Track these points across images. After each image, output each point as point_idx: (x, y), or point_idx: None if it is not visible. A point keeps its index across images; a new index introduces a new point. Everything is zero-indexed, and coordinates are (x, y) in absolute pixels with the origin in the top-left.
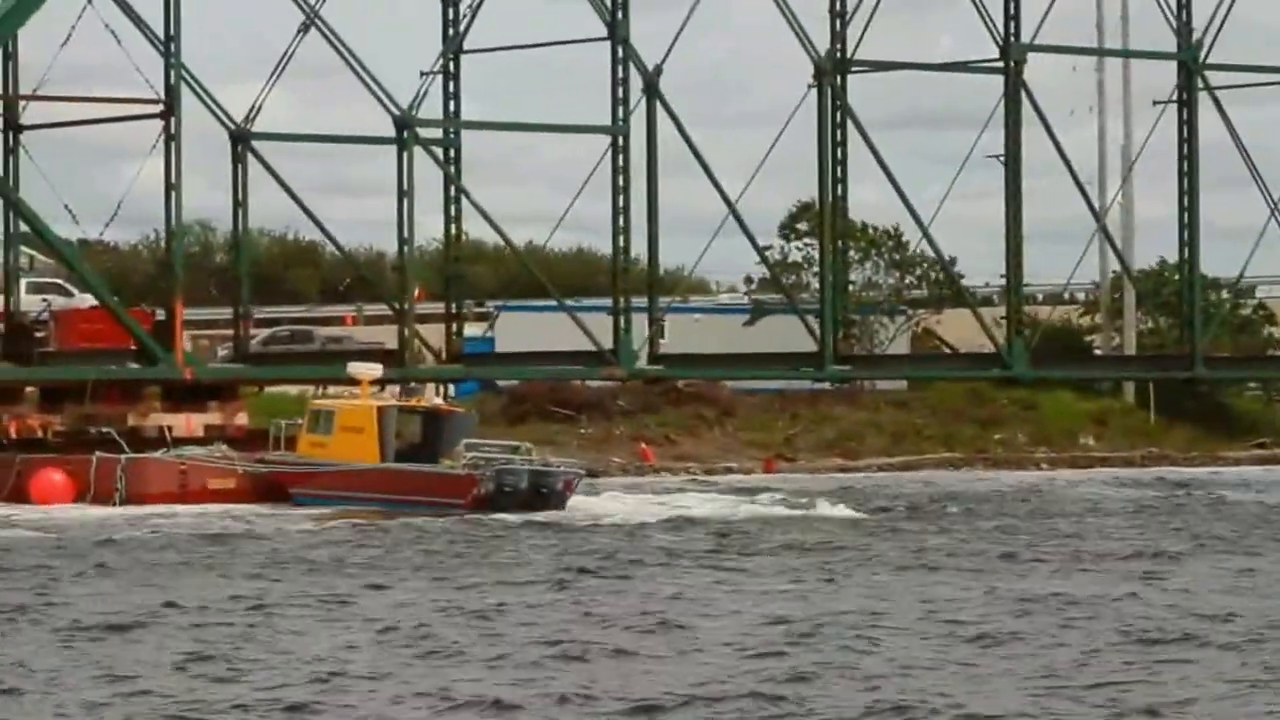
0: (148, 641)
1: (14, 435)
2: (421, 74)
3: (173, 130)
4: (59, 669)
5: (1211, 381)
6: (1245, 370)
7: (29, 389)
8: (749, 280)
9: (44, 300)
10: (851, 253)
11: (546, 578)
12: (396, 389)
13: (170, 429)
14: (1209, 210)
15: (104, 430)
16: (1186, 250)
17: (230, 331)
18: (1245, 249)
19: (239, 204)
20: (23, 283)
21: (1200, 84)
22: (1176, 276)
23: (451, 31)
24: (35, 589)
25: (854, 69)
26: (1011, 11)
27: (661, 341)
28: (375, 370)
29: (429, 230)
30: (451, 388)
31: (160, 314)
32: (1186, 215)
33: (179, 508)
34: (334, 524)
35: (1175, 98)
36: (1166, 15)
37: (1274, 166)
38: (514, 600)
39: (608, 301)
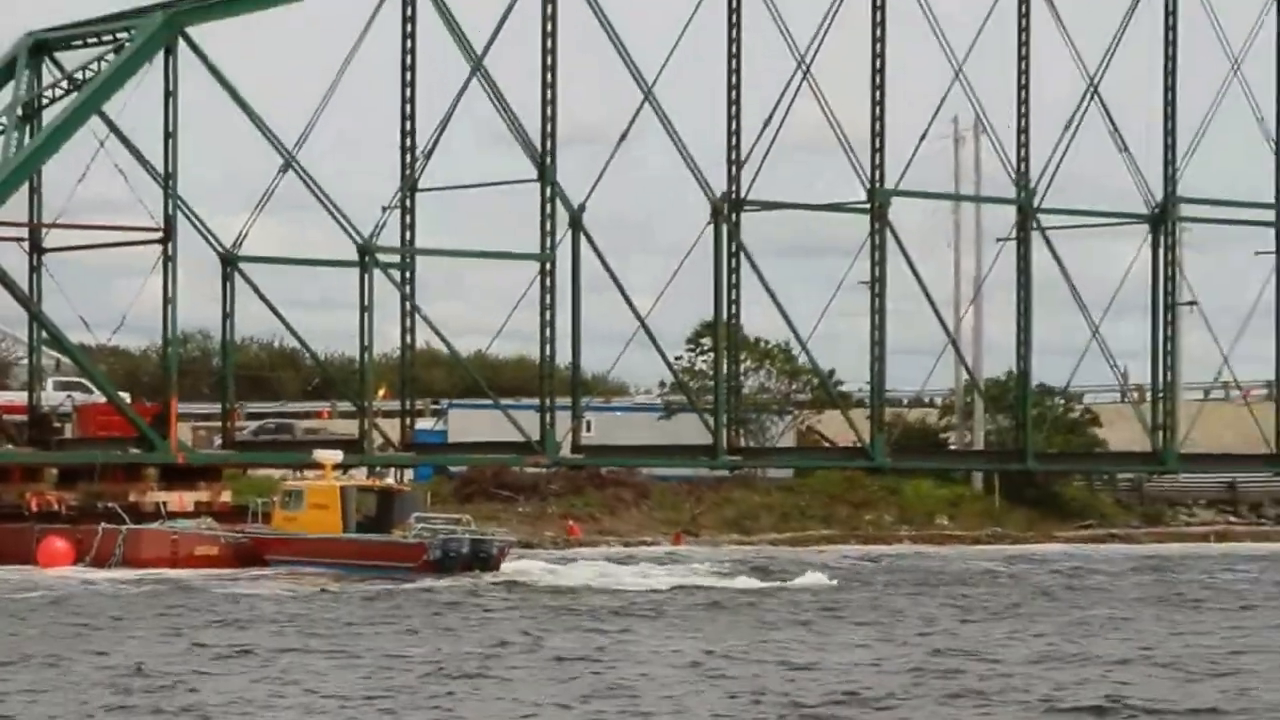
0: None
1: (34, 508)
2: (382, 208)
3: (170, 253)
4: None
5: (1042, 472)
6: (1069, 464)
7: (48, 469)
8: (662, 384)
9: (68, 396)
10: (746, 362)
11: None
12: (363, 471)
13: (165, 504)
14: (1044, 329)
15: (109, 505)
16: (1022, 363)
17: (221, 423)
18: (1073, 362)
19: (227, 316)
20: (49, 381)
21: (1034, 224)
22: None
23: (407, 172)
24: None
25: (746, 208)
26: (877, 162)
27: (586, 434)
28: (336, 456)
29: (391, 339)
30: (410, 472)
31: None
32: (1022, 334)
33: (169, 571)
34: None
35: (1014, 235)
36: (1007, 167)
37: (1096, 292)
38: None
39: (537, 401)
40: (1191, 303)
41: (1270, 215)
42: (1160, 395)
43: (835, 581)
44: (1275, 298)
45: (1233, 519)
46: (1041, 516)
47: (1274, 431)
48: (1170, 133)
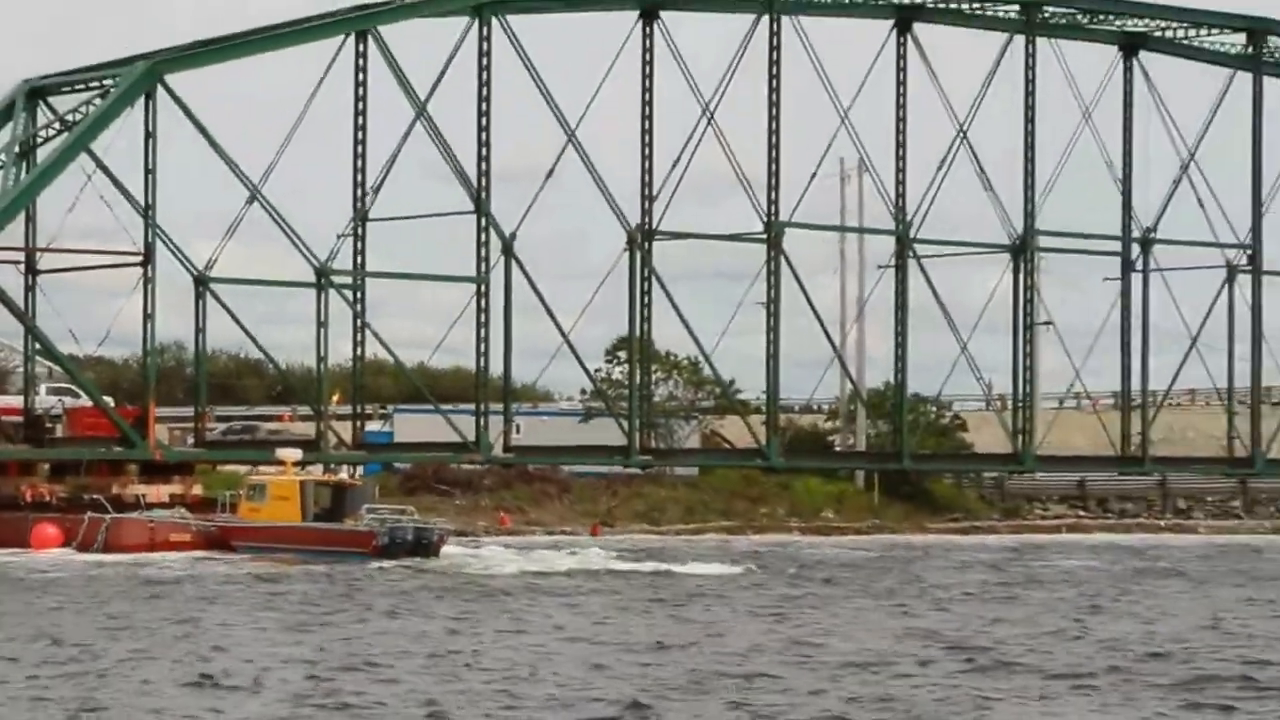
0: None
1: (29, 499)
2: (336, 236)
3: (149, 275)
4: None
5: (915, 471)
6: (940, 464)
7: (41, 464)
8: (583, 391)
9: (59, 400)
10: (657, 373)
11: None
12: (320, 467)
13: (144, 496)
14: (918, 345)
15: (94, 496)
16: (899, 375)
17: (193, 424)
18: (944, 374)
19: (199, 330)
20: (43, 387)
21: (910, 253)
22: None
23: (359, 205)
24: None
25: (657, 237)
26: (773, 197)
27: (515, 436)
28: (296, 454)
29: (344, 351)
30: (360, 468)
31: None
32: (899, 349)
33: (143, 555)
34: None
35: (893, 263)
36: (886, 203)
37: (964, 313)
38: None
39: (473, 406)
40: (1047, 323)
41: (1116, 246)
42: (1020, 404)
43: (741, 569)
44: (1120, 319)
45: (1082, 513)
46: (915, 510)
47: (1119, 436)
48: (1029, 173)
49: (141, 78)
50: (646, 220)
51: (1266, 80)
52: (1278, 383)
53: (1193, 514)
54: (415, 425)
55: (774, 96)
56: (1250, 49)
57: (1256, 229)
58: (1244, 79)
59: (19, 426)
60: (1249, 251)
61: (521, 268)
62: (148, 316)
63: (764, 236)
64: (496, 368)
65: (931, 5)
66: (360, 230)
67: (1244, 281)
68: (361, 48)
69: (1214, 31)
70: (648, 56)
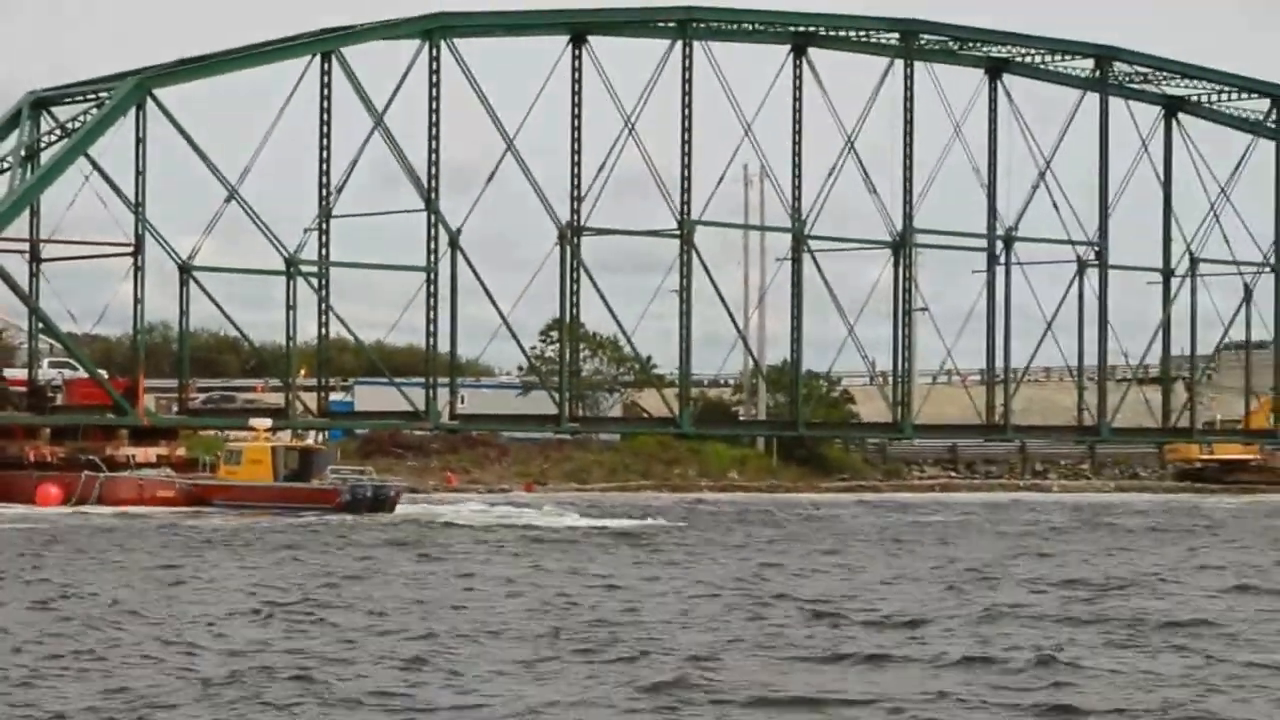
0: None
1: (32, 459)
2: (304, 230)
3: (139, 263)
4: None
5: (809, 437)
6: (830, 431)
7: (43, 430)
8: (520, 367)
9: (59, 373)
10: (584, 351)
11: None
12: (289, 433)
13: (134, 457)
14: (812, 328)
15: (90, 457)
16: (795, 353)
17: (177, 394)
18: (834, 353)
19: (183, 312)
20: (44, 361)
21: (805, 248)
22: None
23: (324, 203)
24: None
25: (585, 233)
26: (686, 199)
27: (460, 406)
28: (267, 422)
29: (310, 331)
30: (325, 434)
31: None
32: (795, 331)
33: (134, 508)
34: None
35: (790, 256)
36: (784, 204)
37: (851, 300)
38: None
39: (423, 379)
40: (923, 309)
41: (983, 243)
42: (899, 379)
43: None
44: (986, 306)
45: (953, 474)
46: (809, 472)
47: (985, 407)
48: (908, 179)
49: (133, 91)
50: (575, 218)
51: (1111, 100)
52: (1121, 362)
53: (1048, 475)
54: (373, 396)
55: (686, 111)
56: (1097, 73)
57: (1103, 228)
58: (1092, 98)
59: (23, 396)
60: (1096, 248)
61: (466, 259)
62: (137, 300)
63: (678, 233)
64: (444, 346)
65: (824, 33)
66: (325, 225)
67: (1092, 274)
68: (326, 66)
69: (1067, 57)
70: (577, 75)
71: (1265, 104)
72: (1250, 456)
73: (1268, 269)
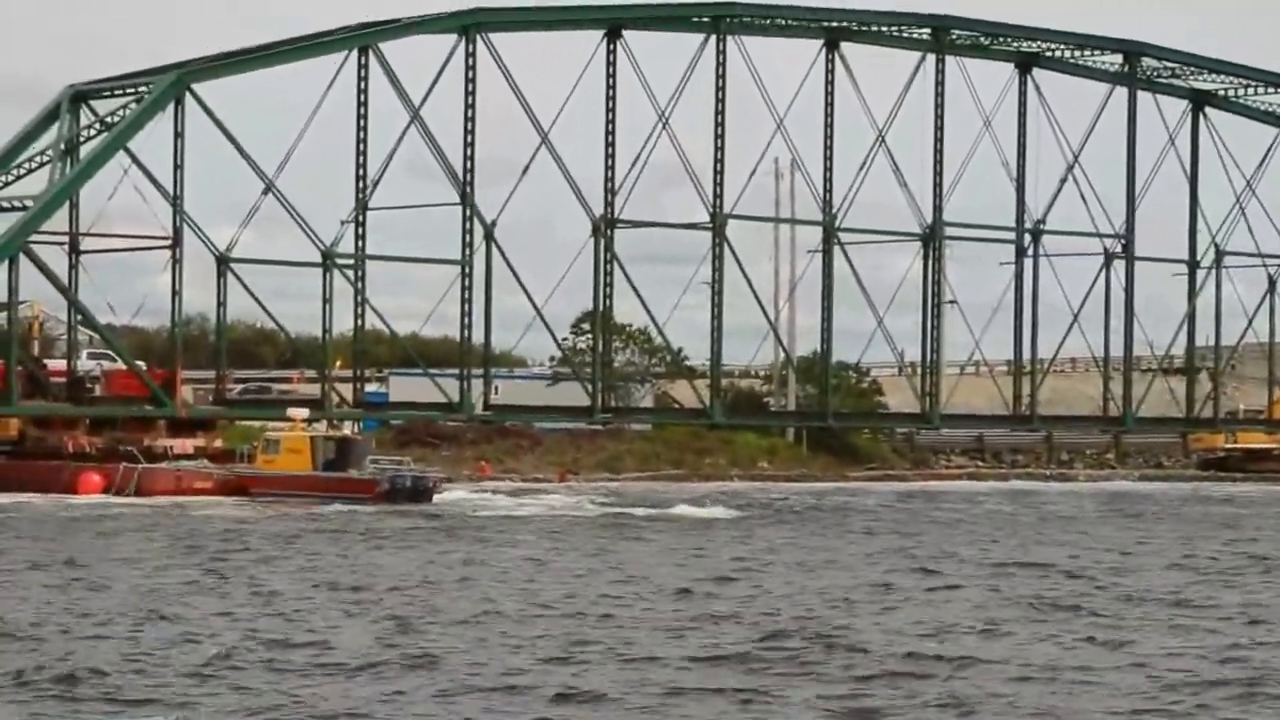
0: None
1: (71, 450)
2: (341, 222)
3: (177, 255)
4: None
5: (839, 427)
6: (860, 421)
7: (82, 420)
8: (552, 358)
9: (98, 364)
10: (616, 343)
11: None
12: (324, 423)
13: (171, 448)
14: (841, 319)
15: (128, 448)
16: (825, 345)
17: (214, 385)
18: (864, 344)
19: (220, 303)
20: (84, 352)
21: (836, 240)
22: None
23: (360, 196)
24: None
25: (618, 225)
26: (718, 192)
27: (494, 396)
28: (304, 412)
29: (346, 322)
30: (360, 424)
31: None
32: (825, 323)
33: (169, 498)
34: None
35: (820, 249)
36: (815, 197)
37: (881, 292)
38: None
39: (458, 370)
40: (952, 301)
41: (1012, 235)
42: (927, 370)
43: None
44: (1014, 298)
45: (980, 463)
46: (838, 461)
47: (1012, 397)
48: (938, 172)
49: (172, 85)
50: (609, 210)
51: (1139, 94)
52: (1146, 353)
53: (1074, 464)
54: (408, 387)
55: (719, 105)
56: (1125, 68)
57: (1130, 222)
58: (1120, 93)
59: (63, 386)
60: (1124, 241)
61: (500, 251)
62: (175, 291)
63: (710, 225)
64: (478, 337)
65: (856, 28)
66: (361, 218)
67: (1119, 266)
68: (364, 60)
69: (1095, 53)
70: (611, 69)
71: None
72: (1273, 446)
73: None
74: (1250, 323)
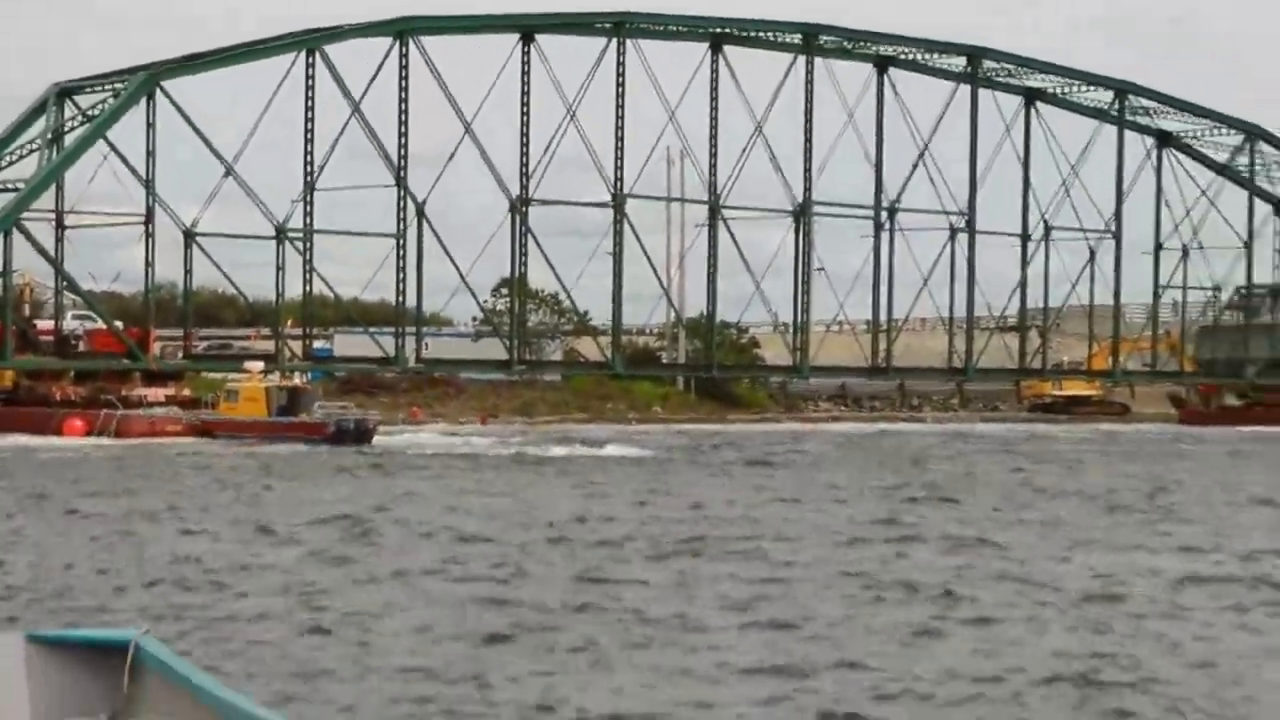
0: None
1: (59, 398)
2: (291, 201)
3: (150, 230)
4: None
5: (722, 377)
6: (740, 372)
7: (68, 373)
8: (475, 318)
9: (81, 324)
10: (530, 305)
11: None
12: (278, 374)
13: (145, 397)
14: (725, 284)
15: (108, 396)
16: (710, 306)
17: (182, 342)
18: (743, 306)
19: (187, 272)
20: (69, 314)
21: (720, 217)
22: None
23: (309, 178)
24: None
25: (532, 204)
26: (619, 175)
27: (425, 351)
28: (260, 365)
29: (296, 288)
30: (309, 375)
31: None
32: (711, 287)
33: (142, 440)
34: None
35: (706, 223)
36: (701, 177)
37: (759, 261)
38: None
39: (393, 329)
40: (819, 268)
41: (870, 213)
42: (798, 328)
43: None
44: (873, 266)
45: (843, 408)
46: (723, 406)
47: (871, 352)
48: (808, 158)
49: (145, 82)
50: (524, 191)
51: (980, 91)
52: (985, 313)
53: (923, 409)
54: (350, 343)
55: (620, 100)
56: (969, 68)
57: (972, 201)
58: (964, 90)
59: (51, 343)
60: (966, 217)
61: (430, 226)
62: (148, 262)
63: (612, 204)
64: (411, 300)
65: (737, 33)
66: (309, 197)
67: (962, 239)
68: (311, 61)
69: (943, 55)
70: (526, 68)
71: (1109, 95)
72: (1092, 392)
73: (1109, 234)
74: (1073, 287)
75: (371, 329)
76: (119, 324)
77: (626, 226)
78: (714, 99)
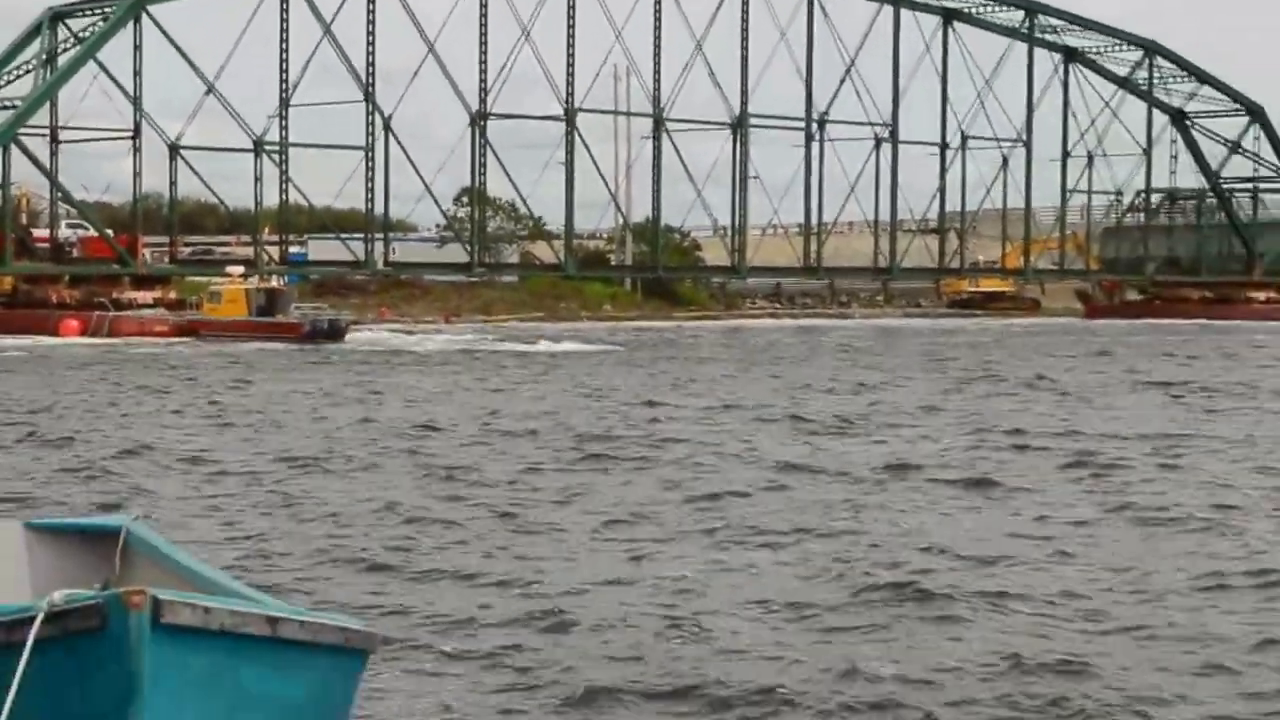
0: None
1: (54, 301)
2: (268, 117)
3: (138, 145)
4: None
5: (667, 278)
6: (683, 273)
7: (63, 277)
8: (438, 225)
9: (75, 232)
10: (489, 212)
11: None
12: (257, 277)
13: (135, 299)
14: (669, 191)
15: (100, 299)
16: (655, 212)
17: (168, 248)
18: (685, 211)
19: (172, 183)
20: (63, 223)
21: (664, 130)
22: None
23: (284, 95)
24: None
25: (491, 118)
26: (570, 90)
27: (392, 255)
28: (240, 269)
29: (273, 197)
30: (285, 278)
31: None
32: (655, 195)
33: (136, 339)
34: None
35: (652, 135)
36: (647, 95)
37: (699, 169)
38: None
39: (363, 234)
40: (755, 176)
41: (802, 125)
42: (736, 231)
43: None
44: (804, 174)
45: (778, 306)
46: (668, 305)
47: (803, 253)
48: (744, 73)
49: (132, 5)
50: (483, 106)
51: (902, 11)
52: (907, 217)
53: (851, 305)
54: (323, 248)
55: (570, 21)
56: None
57: (895, 113)
58: (887, 10)
59: (47, 250)
60: (889, 129)
61: (396, 139)
62: (136, 174)
63: (564, 118)
64: (379, 208)
65: None
66: (285, 114)
67: (886, 149)
68: None
69: None
70: None
71: (1020, 14)
72: (1006, 289)
73: (1020, 143)
74: (988, 192)
75: (343, 235)
76: (110, 232)
77: (577, 139)
78: (657, 20)
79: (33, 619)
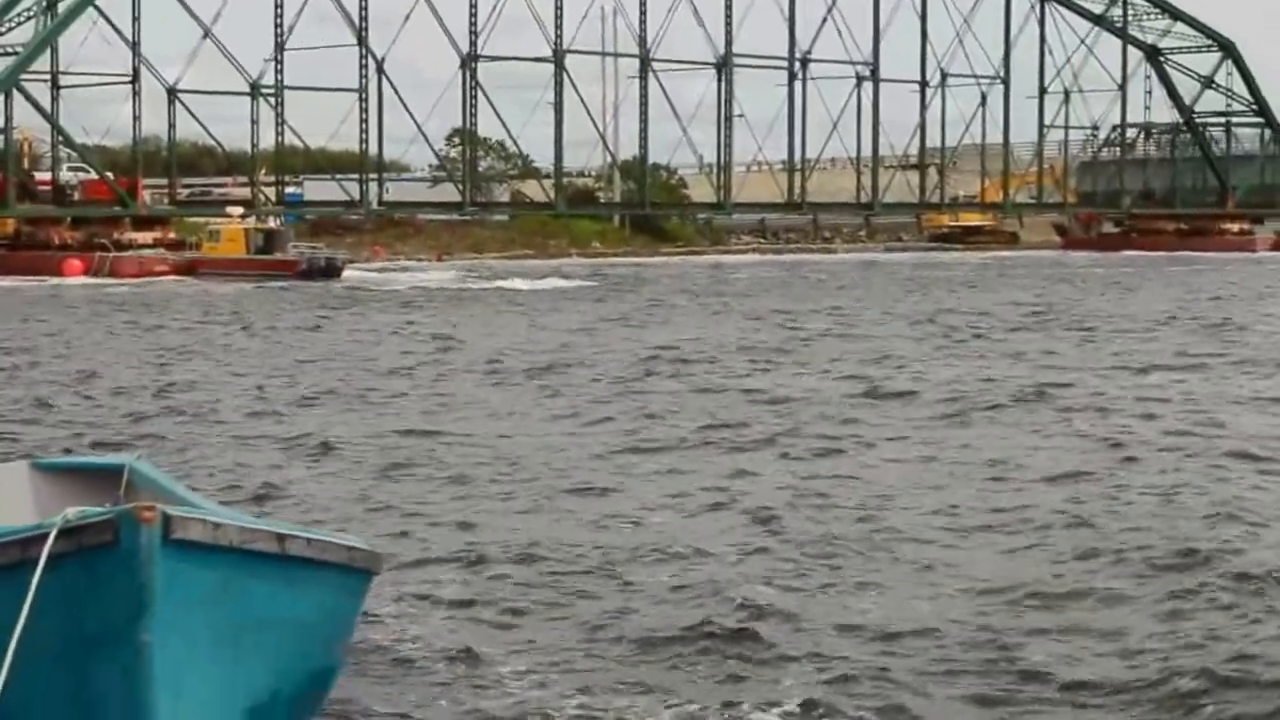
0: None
1: (57, 242)
2: (264, 60)
3: (137, 89)
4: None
5: (654, 215)
6: (670, 210)
7: (65, 219)
8: (430, 165)
9: (76, 175)
10: (480, 152)
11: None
12: (254, 217)
13: (135, 240)
14: (656, 130)
15: (102, 240)
16: (643, 150)
17: (168, 190)
18: (673, 149)
19: (171, 126)
20: (64, 166)
21: (650, 69)
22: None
23: (280, 39)
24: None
25: (481, 60)
26: (559, 32)
27: (386, 195)
28: (238, 210)
29: (270, 138)
30: (282, 218)
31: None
32: (643, 133)
33: (133, 279)
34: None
35: (638, 75)
36: (634, 35)
37: (686, 108)
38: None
39: (357, 175)
40: (740, 115)
41: (785, 64)
42: (721, 168)
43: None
44: (788, 112)
45: (762, 241)
46: (655, 241)
47: (787, 190)
48: (729, 13)
49: None
50: (474, 48)
51: None
52: (889, 153)
53: (834, 240)
54: (319, 188)
55: None
56: None
57: (876, 52)
58: None
59: (49, 193)
60: (871, 67)
61: (390, 82)
62: (135, 117)
63: (553, 59)
64: (373, 149)
65: None
66: (280, 57)
67: (867, 87)
68: None
69: None
70: None
71: None
72: (985, 223)
73: (998, 80)
74: (967, 128)
75: (338, 176)
76: (110, 174)
77: (566, 79)
78: None
79: (47, 535)
